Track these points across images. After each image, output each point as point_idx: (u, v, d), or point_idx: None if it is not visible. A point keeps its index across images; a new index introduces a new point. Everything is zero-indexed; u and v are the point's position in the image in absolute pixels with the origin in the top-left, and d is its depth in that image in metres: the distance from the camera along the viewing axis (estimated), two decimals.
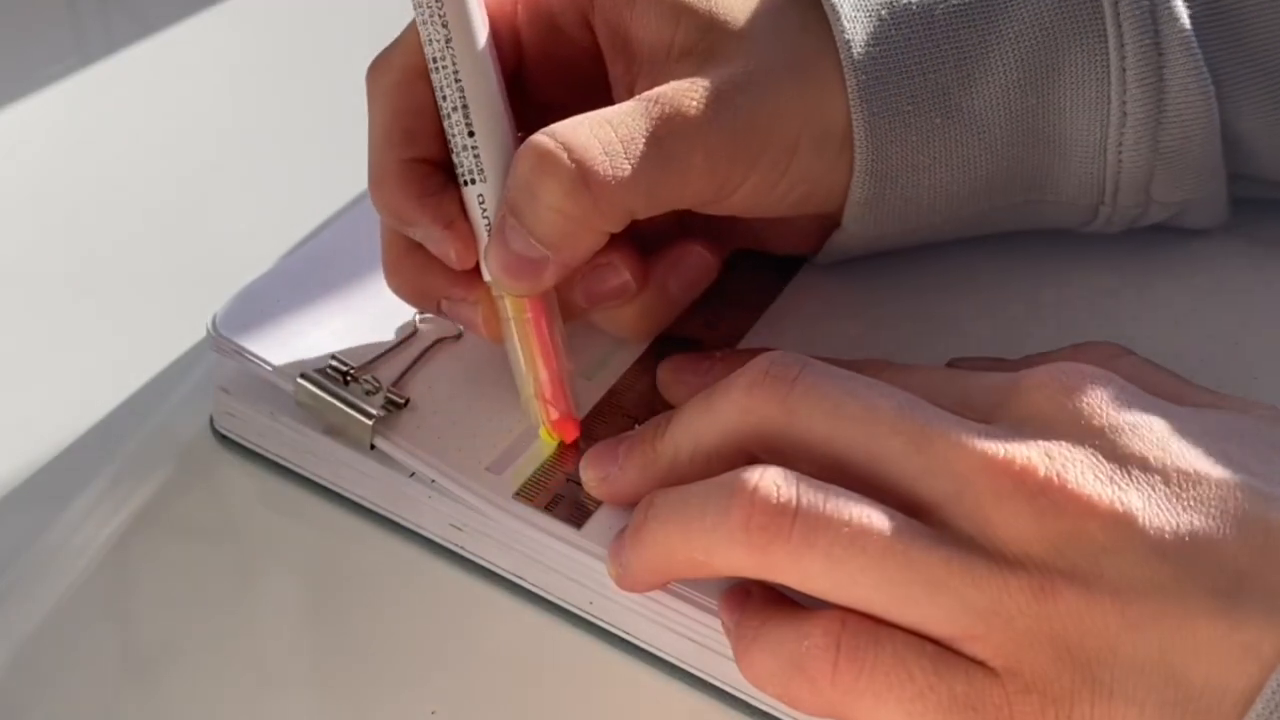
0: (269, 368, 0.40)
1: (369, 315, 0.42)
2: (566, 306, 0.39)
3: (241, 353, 0.40)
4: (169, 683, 0.37)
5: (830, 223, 0.41)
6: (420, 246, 0.38)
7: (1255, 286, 0.44)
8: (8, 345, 0.46)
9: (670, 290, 0.40)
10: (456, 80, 0.37)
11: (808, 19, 0.39)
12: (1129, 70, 0.39)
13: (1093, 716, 0.30)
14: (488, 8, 0.38)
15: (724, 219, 0.40)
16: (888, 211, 0.40)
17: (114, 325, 0.47)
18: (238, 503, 0.41)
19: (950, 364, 0.39)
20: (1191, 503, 0.31)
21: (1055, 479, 0.31)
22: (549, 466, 0.38)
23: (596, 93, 0.39)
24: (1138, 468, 0.31)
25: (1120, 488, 0.31)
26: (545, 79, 0.40)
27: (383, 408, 0.39)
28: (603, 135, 0.35)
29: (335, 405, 0.39)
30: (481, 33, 0.37)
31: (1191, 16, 0.39)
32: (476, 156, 0.37)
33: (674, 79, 0.37)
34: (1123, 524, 0.30)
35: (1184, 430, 0.32)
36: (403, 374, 0.40)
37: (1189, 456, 0.31)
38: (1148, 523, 0.30)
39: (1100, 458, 0.31)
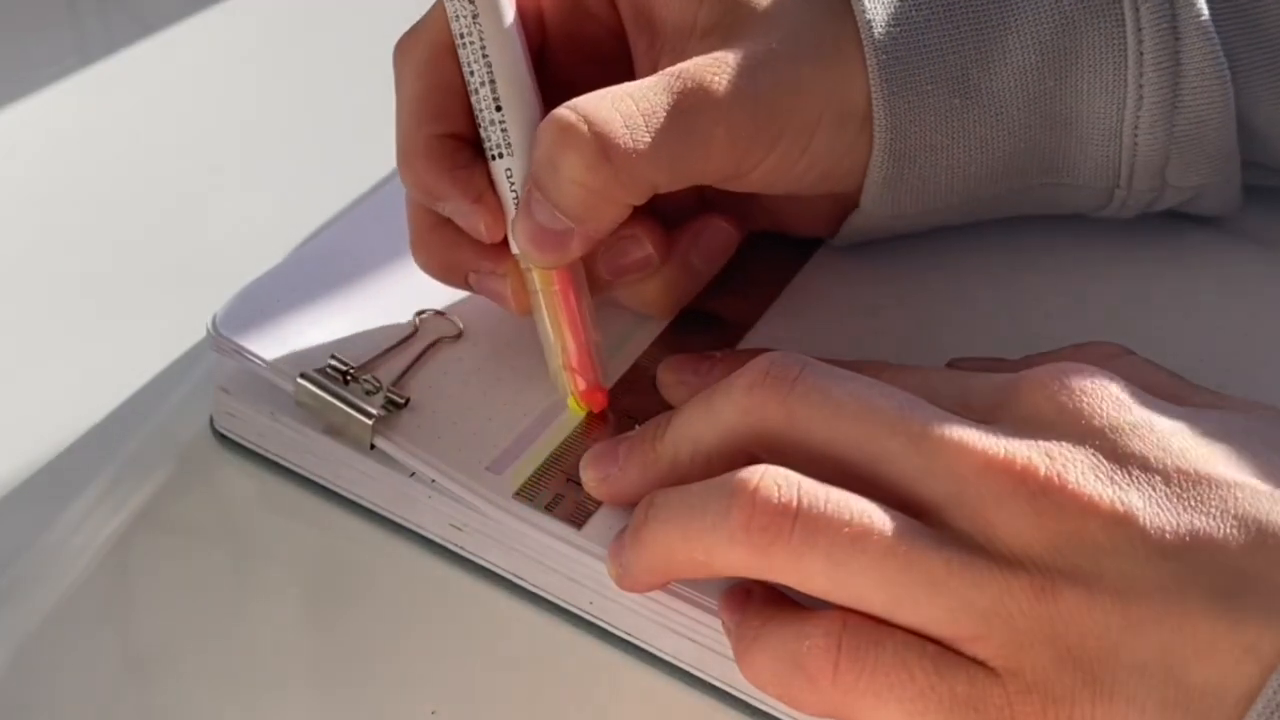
0: (269, 367, 0.40)
1: (369, 315, 0.42)
2: (591, 281, 0.39)
3: (241, 352, 0.40)
4: (169, 683, 0.37)
5: (848, 204, 0.42)
6: (447, 222, 0.39)
7: (1257, 286, 0.44)
8: (8, 345, 0.46)
9: (693, 263, 0.41)
10: (484, 55, 0.37)
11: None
12: (1146, 54, 0.39)
13: (1093, 716, 0.30)
14: None
15: (743, 200, 0.41)
16: (906, 191, 0.40)
17: (114, 325, 0.47)
18: (237, 503, 0.41)
19: (950, 364, 0.39)
20: (1192, 503, 0.31)
21: (1056, 479, 0.31)
22: (549, 466, 0.38)
23: (620, 71, 0.40)
24: (1138, 468, 0.31)
25: (1121, 488, 0.31)
26: (569, 58, 0.40)
27: (383, 407, 0.39)
28: (624, 108, 0.36)
29: (335, 405, 0.39)
30: (508, 8, 0.37)
31: (1209, 3, 0.40)
32: (504, 130, 0.37)
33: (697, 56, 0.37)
34: (1123, 524, 0.30)
35: (1184, 430, 0.32)
36: (403, 373, 0.40)
37: (1189, 456, 0.31)
38: (1148, 523, 0.30)
39: (1101, 458, 0.31)
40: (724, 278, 0.42)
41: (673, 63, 0.37)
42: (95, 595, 0.39)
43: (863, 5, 0.39)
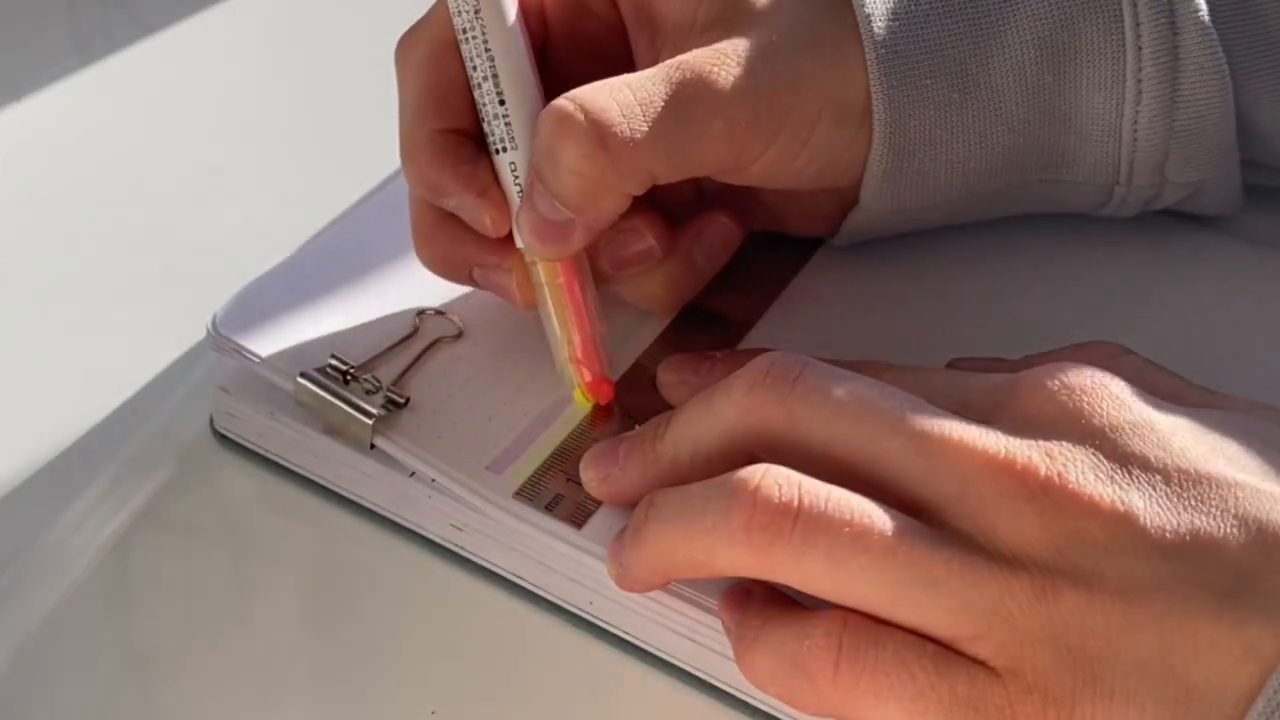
0: (269, 367, 0.40)
1: (369, 315, 0.42)
2: (594, 274, 0.39)
3: (241, 352, 0.40)
4: (169, 683, 0.37)
5: (848, 202, 0.42)
6: (451, 217, 0.39)
7: (1257, 287, 0.44)
8: (8, 345, 0.46)
9: (696, 260, 0.41)
10: (486, 50, 0.37)
11: None
12: (1144, 48, 0.39)
13: (1094, 716, 0.30)
14: None
15: (744, 198, 0.41)
16: (905, 186, 0.40)
17: (114, 325, 0.47)
18: (237, 502, 0.41)
19: (950, 364, 0.39)
20: (1192, 502, 0.31)
21: (1056, 479, 0.31)
22: (549, 466, 0.38)
23: (622, 69, 0.40)
24: (1138, 467, 0.31)
25: (1121, 487, 0.31)
26: (570, 54, 0.41)
27: (383, 407, 0.39)
28: (621, 98, 0.36)
29: (335, 404, 0.39)
30: (510, 3, 0.38)
31: None
32: (508, 125, 0.38)
33: None
34: (1124, 524, 0.30)
35: (1185, 430, 0.32)
36: (403, 373, 0.40)
37: (1190, 456, 0.31)
38: (1149, 522, 0.30)
39: (1101, 457, 0.31)
40: (726, 276, 0.42)
41: None
42: (95, 595, 0.39)
43: (862, 0, 0.39)
